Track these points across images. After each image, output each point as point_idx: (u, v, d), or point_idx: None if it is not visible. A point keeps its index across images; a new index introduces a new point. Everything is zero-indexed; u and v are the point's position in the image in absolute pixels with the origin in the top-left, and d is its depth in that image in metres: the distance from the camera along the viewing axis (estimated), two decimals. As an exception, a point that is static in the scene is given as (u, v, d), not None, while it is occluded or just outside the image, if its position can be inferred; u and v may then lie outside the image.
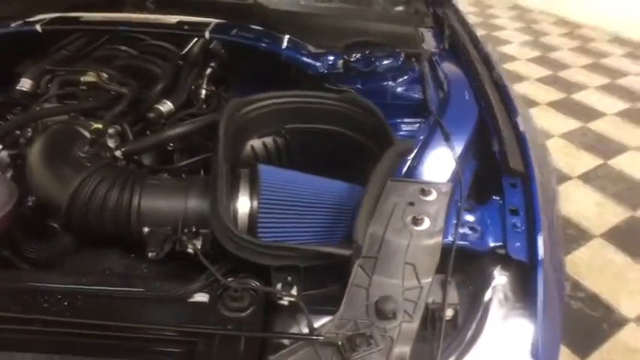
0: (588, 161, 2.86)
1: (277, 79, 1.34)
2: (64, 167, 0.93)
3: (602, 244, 2.30)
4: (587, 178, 2.73)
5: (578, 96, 3.56)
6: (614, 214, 2.47)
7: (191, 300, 0.79)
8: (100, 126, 1.00)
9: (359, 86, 1.30)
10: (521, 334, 0.80)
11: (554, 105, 3.44)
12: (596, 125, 3.21)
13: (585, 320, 1.94)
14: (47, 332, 0.71)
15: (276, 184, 0.94)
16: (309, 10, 1.58)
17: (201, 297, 0.80)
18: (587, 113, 3.34)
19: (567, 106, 3.43)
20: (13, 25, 1.37)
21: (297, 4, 1.64)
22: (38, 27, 1.30)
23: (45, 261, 0.98)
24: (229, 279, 0.80)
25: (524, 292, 0.85)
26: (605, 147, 2.98)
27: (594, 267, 2.17)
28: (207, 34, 1.28)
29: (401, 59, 1.33)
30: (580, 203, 2.53)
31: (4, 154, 1.09)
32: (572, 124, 3.23)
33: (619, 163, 2.84)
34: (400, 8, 1.74)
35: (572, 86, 3.69)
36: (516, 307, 0.84)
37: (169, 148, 1.14)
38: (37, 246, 1.00)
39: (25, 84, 1.21)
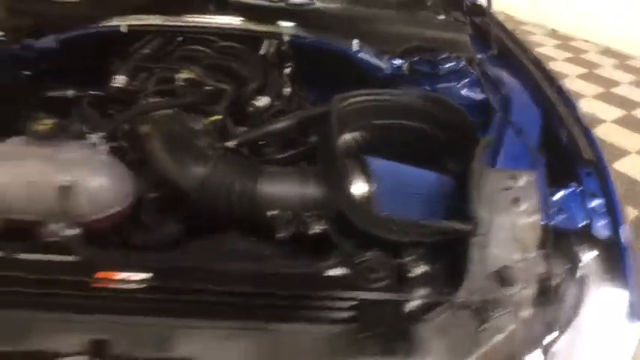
0: (593, 164, 3.03)
1: (339, 80, 1.44)
2: (190, 157, 1.00)
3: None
4: (593, 180, 2.89)
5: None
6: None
7: (332, 274, 0.87)
8: (219, 117, 1.08)
9: (426, 88, 1.41)
10: (617, 300, 0.92)
11: (556, 112, 3.62)
12: (597, 131, 3.39)
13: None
14: (221, 303, 0.78)
15: (382, 171, 1.03)
16: (365, 16, 1.68)
17: (337, 272, 0.89)
18: (588, 120, 3.53)
19: (568, 113, 3.61)
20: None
21: (353, 10, 1.74)
22: (123, 27, 1.37)
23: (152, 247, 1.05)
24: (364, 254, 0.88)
25: (612, 266, 0.96)
26: (607, 151, 3.16)
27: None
28: (286, 37, 1.37)
29: (462, 63, 1.45)
30: (590, 203, 2.68)
31: (106, 146, 1.15)
32: (574, 129, 3.41)
33: (621, 166, 3.03)
34: (442, 17, 1.87)
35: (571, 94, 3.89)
36: (606, 278, 0.95)
37: (260, 142, 1.22)
38: (140, 234, 1.07)
39: (119, 80, 1.27)
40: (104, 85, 1.32)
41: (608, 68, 4.40)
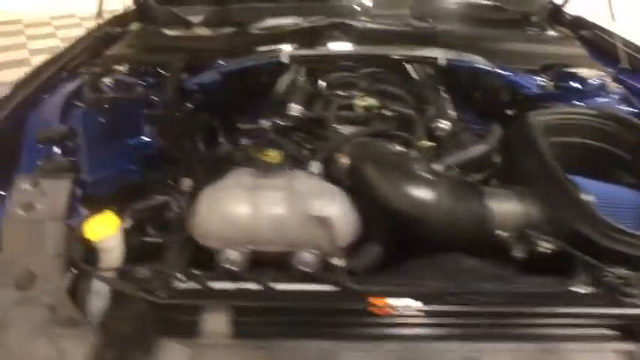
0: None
1: (488, 101, 1.49)
2: (416, 182, 1.04)
3: None
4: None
5: None
6: None
7: (583, 291, 0.91)
8: (433, 144, 1.12)
9: (578, 104, 1.44)
10: None
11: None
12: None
13: None
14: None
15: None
16: (490, 36, 1.73)
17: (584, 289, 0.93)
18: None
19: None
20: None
21: (472, 30, 1.79)
22: (285, 57, 1.41)
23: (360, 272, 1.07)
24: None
25: None
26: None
27: None
28: (444, 61, 1.41)
29: (605, 78, 1.49)
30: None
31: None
32: None
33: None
34: (552, 33, 1.91)
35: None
36: None
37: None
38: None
39: (294, 109, 1.31)
40: (268, 114, 1.37)
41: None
